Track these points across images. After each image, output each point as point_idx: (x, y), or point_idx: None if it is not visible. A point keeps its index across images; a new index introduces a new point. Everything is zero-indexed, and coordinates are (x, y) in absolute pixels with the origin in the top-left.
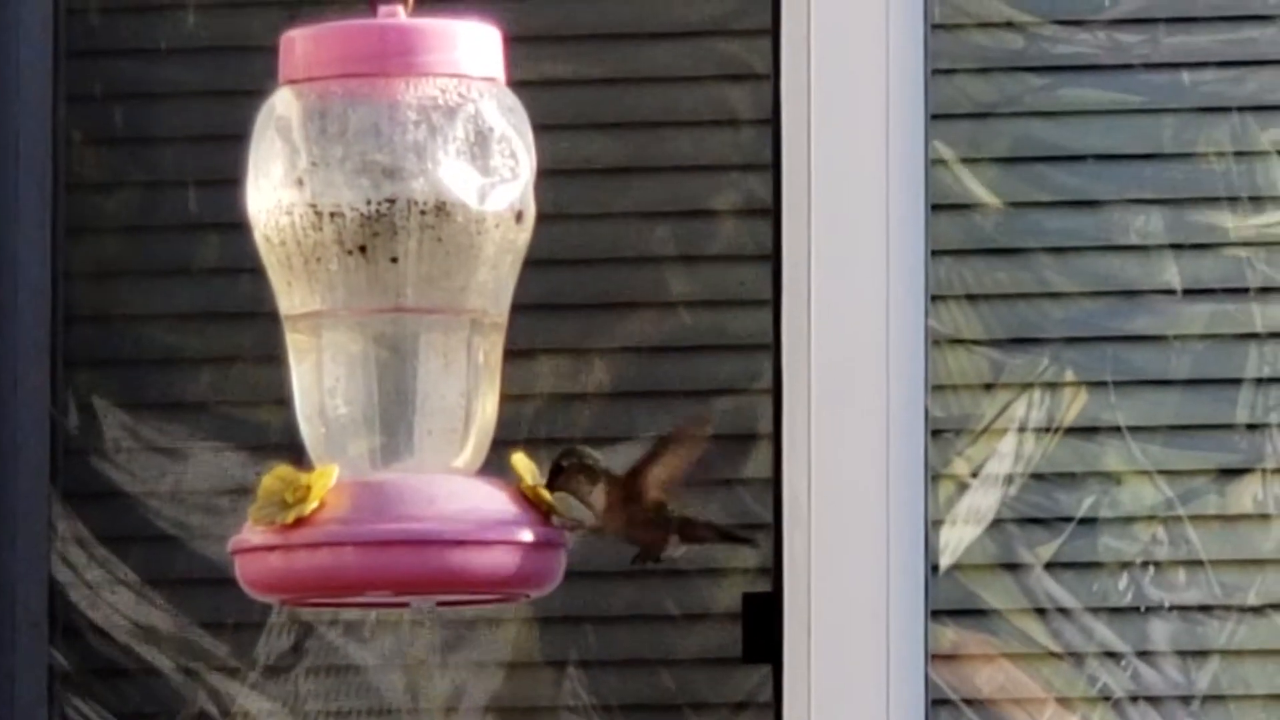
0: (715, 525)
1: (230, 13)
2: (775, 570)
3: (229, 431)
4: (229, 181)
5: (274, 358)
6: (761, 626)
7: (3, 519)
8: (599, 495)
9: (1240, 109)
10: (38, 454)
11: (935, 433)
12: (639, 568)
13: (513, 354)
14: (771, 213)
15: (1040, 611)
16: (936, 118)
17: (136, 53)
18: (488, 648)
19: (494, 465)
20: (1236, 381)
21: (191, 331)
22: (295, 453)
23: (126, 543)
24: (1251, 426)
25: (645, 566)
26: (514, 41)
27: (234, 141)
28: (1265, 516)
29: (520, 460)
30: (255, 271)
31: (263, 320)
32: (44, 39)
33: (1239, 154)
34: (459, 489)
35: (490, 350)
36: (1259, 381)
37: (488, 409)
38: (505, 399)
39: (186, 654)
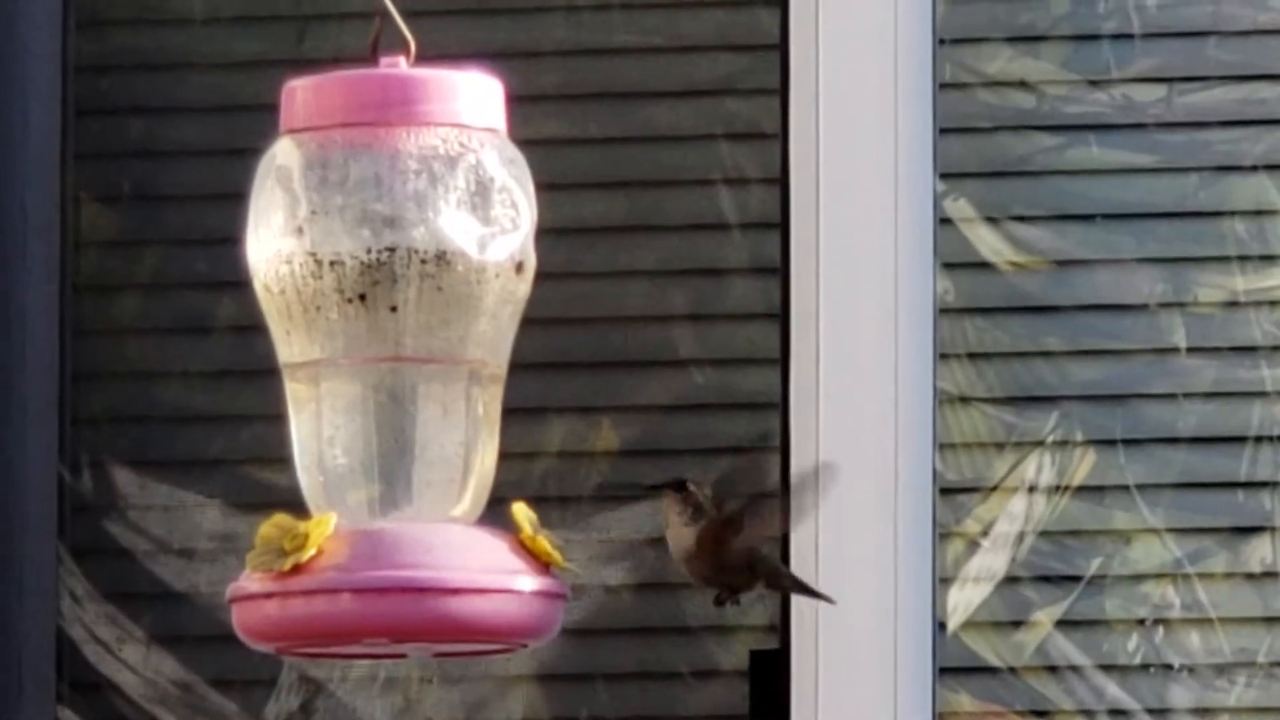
0: (799, 580)
1: (239, 71)
2: (783, 628)
3: (237, 489)
4: (237, 240)
5: (281, 416)
6: (769, 684)
7: (11, 576)
8: (692, 532)
9: (1249, 168)
10: (46, 511)
11: (944, 491)
12: (721, 605)
13: (522, 412)
14: (780, 271)
15: (1050, 670)
16: (944, 176)
17: (145, 111)
18: (497, 705)
19: (496, 518)
20: (1244, 440)
21: (199, 389)
22: (303, 510)
23: (134, 600)
24: (1259, 485)
25: (725, 605)
26: (522, 100)
27: (241, 200)
28: (1273, 575)
29: (519, 509)
30: (263, 329)
31: (271, 378)
32: (52, 97)
33: (1247, 213)
34: (457, 538)
35: (489, 401)
36: (1267, 440)
37: (486, 460)
38: (515, 457)
39: (195, 713)
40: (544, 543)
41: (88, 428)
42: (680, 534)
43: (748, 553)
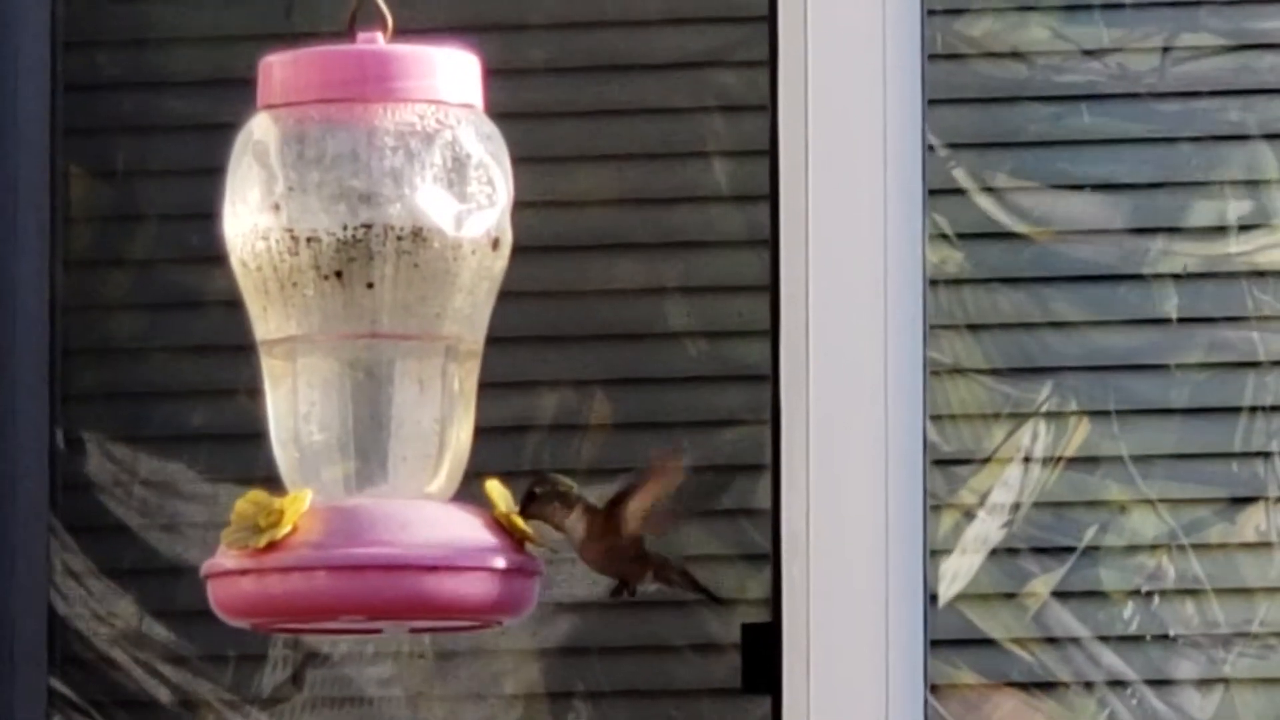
0: (688, 574)
1: (229, 45)
2: (774, 600)
3: (229, 463)
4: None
5: None
6: (761, 657)
7: (2, 551)
8: (575, 523)
9: (1242, 137)
10: (37, 486)
11: (938, 463)
12: (618, 600)
13: (514, 385)
14: (769, 243)
15: (1044, 641)
16: (937, 146)
17: (134, 86)
18: (490, 678)
19: (475, 493)
20: (1237, 410)
21: (190, 364)
22: (281, 485)
23: (125, 575)
24: (1253, 455)
25: (623, 599)
26: (512, 73)
27: None
28: (1268, 545)
29: (494, 487)
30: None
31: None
32: (42, 72)
33: (1241, 182)
34: (432, 515)
35: (465, 377)
36: (1261, 410)
37: (462, 436)
38: (506, 431)
39: (186, 686)
40: (518, 520)
41: (79, 403)
42: (568, 530)
43: (636, 542)
